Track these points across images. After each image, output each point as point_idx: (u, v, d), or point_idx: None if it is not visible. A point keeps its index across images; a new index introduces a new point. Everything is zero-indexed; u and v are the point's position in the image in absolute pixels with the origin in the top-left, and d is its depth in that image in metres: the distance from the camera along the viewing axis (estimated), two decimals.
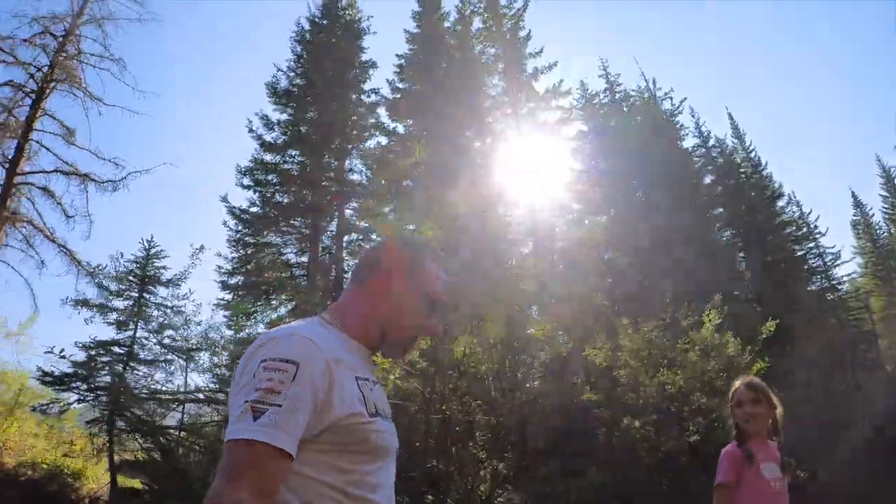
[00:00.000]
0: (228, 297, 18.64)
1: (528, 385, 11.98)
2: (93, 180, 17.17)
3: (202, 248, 16.76)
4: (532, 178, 19.93)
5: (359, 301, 1.49)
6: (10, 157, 16.65)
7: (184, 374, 16.02)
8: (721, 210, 24.09)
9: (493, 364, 10.71)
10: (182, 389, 15.77)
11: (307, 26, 22.40)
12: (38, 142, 17.27)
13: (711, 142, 25.38)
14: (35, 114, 17.21)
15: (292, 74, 21.79)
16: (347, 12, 23.05)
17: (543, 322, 12.81)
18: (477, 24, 22.10)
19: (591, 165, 22.07)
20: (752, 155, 25.16)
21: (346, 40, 22.40)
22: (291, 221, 20.67)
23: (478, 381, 10.65)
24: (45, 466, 14.08)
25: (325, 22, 22.63)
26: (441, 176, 17.38)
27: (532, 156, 20.08)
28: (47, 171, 17.18)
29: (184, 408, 15.62)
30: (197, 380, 16.49)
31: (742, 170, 25.02)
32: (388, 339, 1.48)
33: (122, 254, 16.36)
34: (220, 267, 18.93)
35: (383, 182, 20.17)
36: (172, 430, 14.98)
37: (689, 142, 24.96)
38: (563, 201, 20.96)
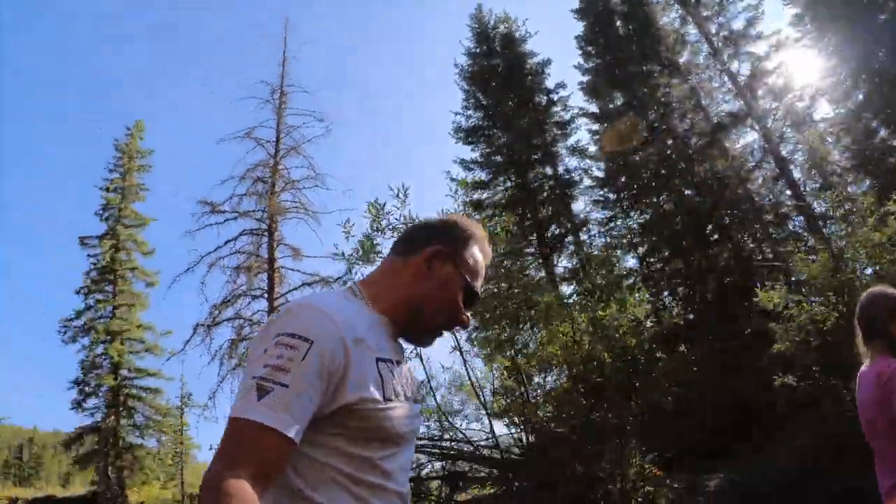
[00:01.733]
0: None
1: None
2: (328, 282, 18.02)
3: None
4: None
5: (395, 276, 1.38)
6: (265, 287, 18.61)
7: None
8: None
9: None
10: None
11: (467, 61, 21.83)
12: (280, 267, 18.97)
13: None
14: (273, 247, 19.23)
15: (470, 112, 21.16)
16: (501, 26, 22.04)
17: None
18: None
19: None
20: None
21: (509, 58, 21.28)
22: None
23: None
24: None
25: (482, 48, 21.89)
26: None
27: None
28: (297, 287, 18.57)
29: None
30: None
31: None
32: (417, 322, 1.36)
33: None
34: None
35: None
36: None
37: None
38: None
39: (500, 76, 20.72)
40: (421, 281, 1.34)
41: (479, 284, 1.41)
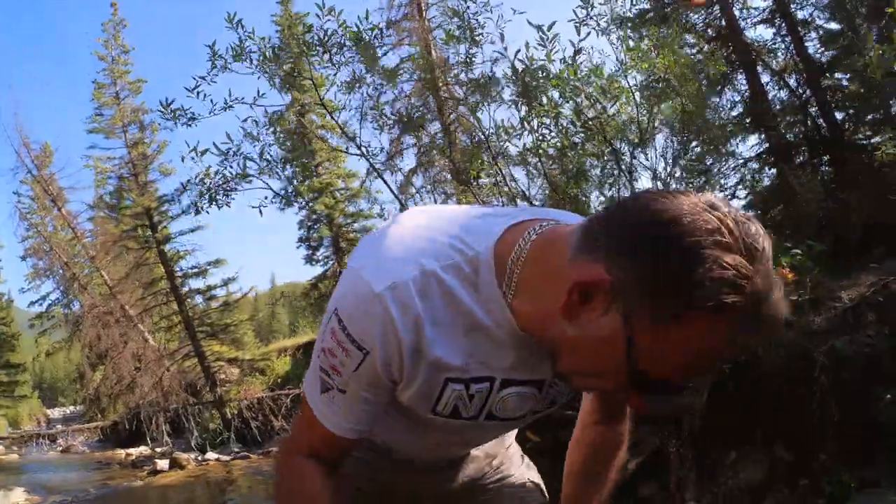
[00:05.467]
0: None
1: None
2: None
3: None
4: None
5: (549, 281, 0.78)
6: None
7: None
8: None
9: None
10: None
11: None
12: None
13: None
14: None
15: None
16: None
17: None
18: None
19: None
20: None
21: None
22: None
23: None
24: None
25: None
26: None
27: None
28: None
29: None
30: None
31: None
32: (557, 366, 0.83)
33: None
34: None
35: None
36: None
37: None
38: None
39: None
40: (565, 318, 0.76)
41: (677, 377, 0.75)
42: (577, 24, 3.86)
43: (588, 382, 0.89)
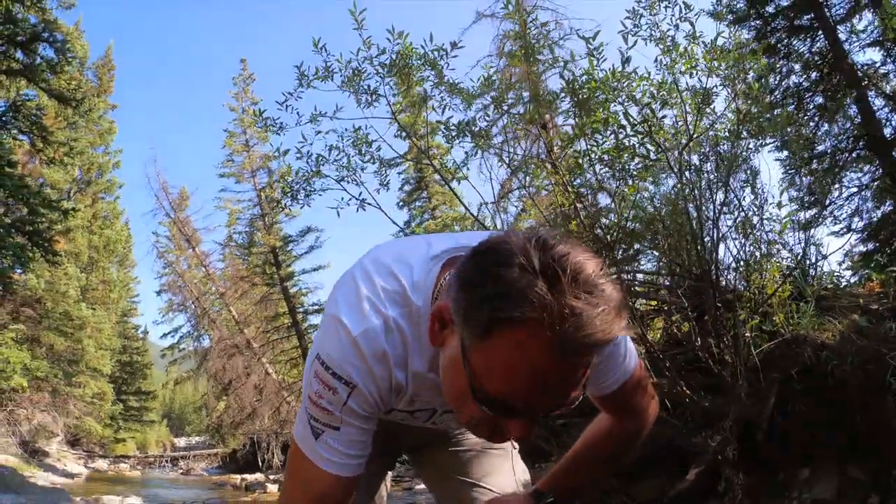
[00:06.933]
0: None
1: None
2: None
3: None
4: None
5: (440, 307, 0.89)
6: None
7: None
8: None
9: None
10: None
11: None
12: None
13: None
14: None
15: None
16: None
17: None
18: None
19: None
20: None
21: None
22: None
23: None
24: None
25: None
26: None
27: None
28: None
29: None
30: None
31: None
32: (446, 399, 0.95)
33: None
34: None
35: None
36: None
37: None
38: None
39: None
40: (436, 347, 0.93)
41: (520, 393, 0.80)
42: (625, 35, 3.91)
43: (460, 415, 0.92)
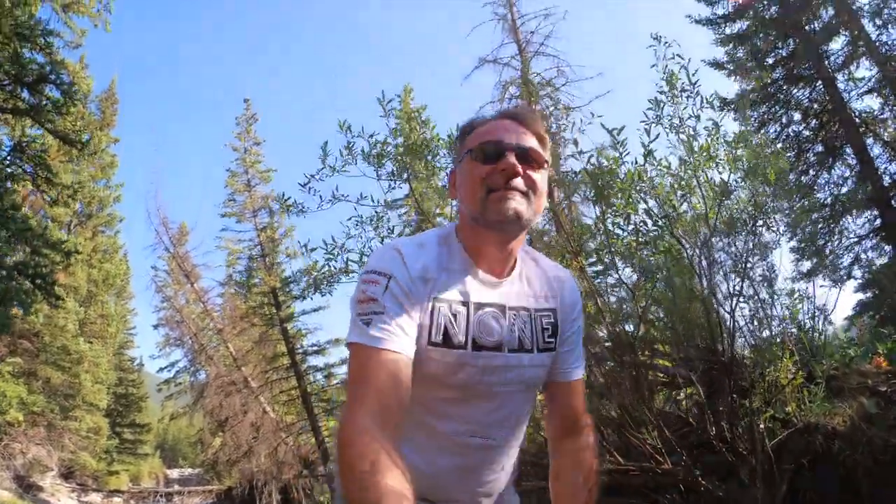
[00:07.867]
0: None
1: None
2: None
3: None
4: None
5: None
6: None
7: None
8: None
9: None
10: None
11: None
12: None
13: None
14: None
15: None
16: None
17: None
18: None
19: None
20: None
21: None
22: None
23: None
24: None
25: None
26: None
27: None
28: None
29: None
30: None
31: None
32: (479, 214, 1.30)
33: None
34: None
35: None
36: None
37: None
38: None
39: None
40: (458, 188, 1.39)
41: (490, 136, 1.34)
42: (647, 126, 3.96)
43: (481, 188, 1.31)
